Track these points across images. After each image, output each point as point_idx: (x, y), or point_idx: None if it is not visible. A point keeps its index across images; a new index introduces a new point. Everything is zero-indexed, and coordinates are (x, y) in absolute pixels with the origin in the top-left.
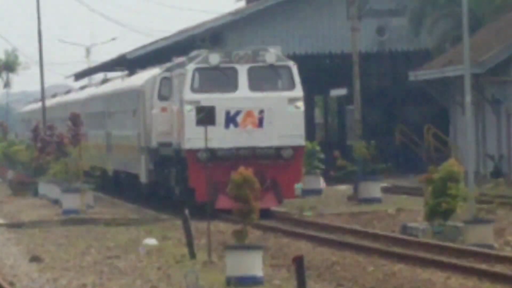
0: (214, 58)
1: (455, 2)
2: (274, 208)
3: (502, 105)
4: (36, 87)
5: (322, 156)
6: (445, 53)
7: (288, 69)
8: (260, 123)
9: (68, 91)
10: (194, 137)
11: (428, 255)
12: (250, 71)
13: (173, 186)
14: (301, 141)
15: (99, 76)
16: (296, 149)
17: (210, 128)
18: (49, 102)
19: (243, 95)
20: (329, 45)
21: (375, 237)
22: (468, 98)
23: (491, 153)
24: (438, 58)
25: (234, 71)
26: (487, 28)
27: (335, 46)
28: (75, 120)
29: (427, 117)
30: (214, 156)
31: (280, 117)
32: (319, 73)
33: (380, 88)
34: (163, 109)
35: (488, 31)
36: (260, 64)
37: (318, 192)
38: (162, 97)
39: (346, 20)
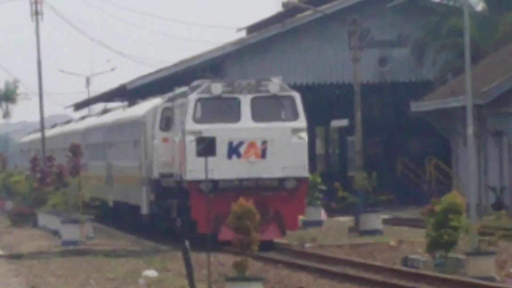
0: (217, 88)
1: (457, 33)
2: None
3: (504, 137)
4: (36, 118)
5: (323, 187)
6: (447, 84)
7: (292, 99)
8: (263, 154)
9: (68, 121)
10: (196, 168)
11: None
12: (253, 101)
13: (174, 217)
14: (304, 172)
15: (99, 106)
16: (300, 180)
17: (212, 159)
18: (49, 133)
19: (246, 126)
20: (331, 76)
21: (376, 269)
22: (470, 130)
23: (493, 185)
24: (440, 89)
25: (237, 101)
26: (489, 59)
27: (337, 77)
28: (75, 150)
29: (429, 149)
30: (216, 187)
31: (283, 148)
32: (320, 103)
33: (382, 119)
34: (165, 140)
35: (490, 62)
36: (263, 94)
37: (319, 223)
38: (163, 128)
39: (348, 51)
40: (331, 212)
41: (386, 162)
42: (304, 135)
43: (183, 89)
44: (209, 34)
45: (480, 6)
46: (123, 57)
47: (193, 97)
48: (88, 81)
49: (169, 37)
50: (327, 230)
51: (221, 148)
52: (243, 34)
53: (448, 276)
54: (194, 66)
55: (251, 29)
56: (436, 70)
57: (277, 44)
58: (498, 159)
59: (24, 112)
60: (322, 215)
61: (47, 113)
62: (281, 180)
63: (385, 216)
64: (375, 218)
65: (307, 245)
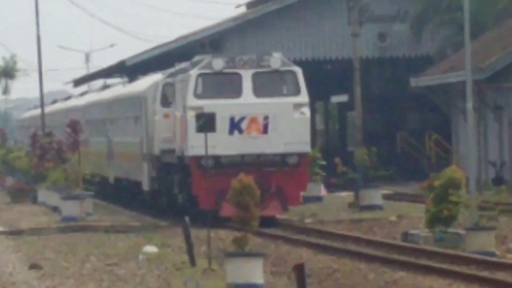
0: (218, 64)
1: (456, 8)
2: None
3: (504, 112)
4: (35, 94)
5: (323, 163)
6: (446, 59)
7: (293, 74)
8: (265, 130)
9: (68, 97)
10: (198, 144)
11: (430, 263)
12: (255, 77)
13: (176, 193)
14: (307, 147)
15: (98, 82)
16: (302, 155)
17: (214, 134)
18: (49, 109)
19: (247, 101)
20: (330, 51)
21: (376, 244)
22: (469, 105)
23: (492, 160)
24: (439, 64)
25: (238, 77)
26: (489, 34)
27: (336, 52)
28: (74, 126)
29: (429, 124)
30: (218, 163)
31: (285, 123)
32: (320, 79)
33: (381, 94)
34: (166, 116)
35: (490, 37)
36: (265, 69)
37: (318, 199)
38: (164, 103)
39: (347, 26)
40: (331, 188)
41: (386, 137)
42: (306, 110)
43: (184, 64)
44: (209, 10)
45: None
46: (123, 33)
47: (194, 72)
48: (87, 57)
49: (168, 13)
50: (327, 205)
51: (223, 124)
52: (243, 10)
53: (448, 251)
54: (193, 42)
55: (251, 5)
56: (436, 45)
57: (276, 20)
58: (498, 134)
59: (23, 88)
60: (322, 190)
61: (46, 89)
62: (283, 156)
63: (385, 192)
64: (375, 193)
65: (307, 220)
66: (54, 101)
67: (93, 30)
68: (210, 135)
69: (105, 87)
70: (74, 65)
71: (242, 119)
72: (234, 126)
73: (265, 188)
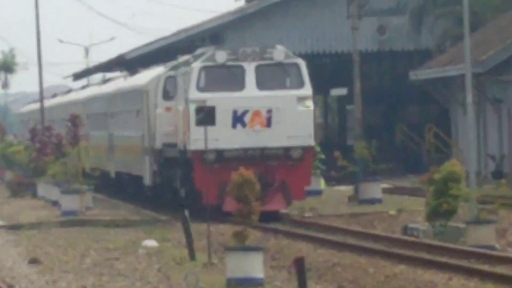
0: (221, 56)
1: (455, 1)
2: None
3: (504, 105)
4: (35, 88)
5: (322, 156)
6: (445, 52)
7: (297, 66)
8: (268, 123)
9: (68, 91)
10: (200, 138)
11: (430, 256)
12: (258, 69)
13: (178, 188)
14: (310, 141)
15: (98, 76)
16: (306, 149)
17: (217, 128)
18: (49, 103)
19: (250, 94)
20: (329, 45)
21: (376, 238)
22: (469, 98)
23: (492, 153)
24: (438, 57)
25: (241, 69)
26: (488, 26)
27: (335, 46)
28: (74, 120)
29: (428, 117)
30: (221, 157)
31: (288, 116)
32: (319, 72)
33: (381, 88)
34: (168, 109)
35: (489, 29)
36: (268, 61)
37: (318, 193)
38: (166, 97)
39: (346, 19)
40: (330, 181)
41: (385, 131)
42: (310, 103)
43: (186, 57)
44: (209, 3)
45: None
46: (122, 26)
47: (196, 65)
48: (87, 51)
49: (167, 6)
50: (326, 199)
51: (226, 117)
52: (242, 3)
53: (448, 245)
54: (193, 35)
55: None
56: (435, 38)
57: (276, 14)
58: (497, 127)
59: (23, 82)
60: (322, 184)
61: (45, 83)
62: (287, 149)
63: (385, 185)
64: (374, 187)
65: (307, 214)
66: (54, 95)
67: (92, 23)
68: (213, 128)
69: (106, 80)
70: (74, 59)
71: (245, 112)
72: (237, 119)
73: (269, 182)
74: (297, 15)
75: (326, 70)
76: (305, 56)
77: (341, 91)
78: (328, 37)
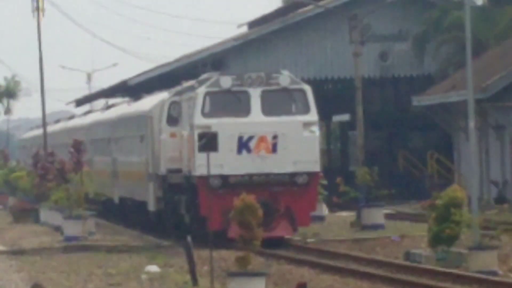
0: (226, 81)
1: (458, 27)
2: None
3: (506, 131)
4: (37, 114)
5: (325, 182)
6: (448, 78)
7: (303, 92)
8: (274, 149)
9: (71, 117)
10: (205, 163)
11: (432, 282)
12: (263, 95)
13: (183, 214)
14: (316, 166)
15: (100, 102)
16: (311, 175)
17: (222, 154)
18: (52, 128)
19: (256, 120)
20: (332, 71)
21: (378, 263)
22: (471, 124)
23: (494, 179)
24: (441, 83)
25: (247, 95)
26: (490, 53)
27: (338, 71)
28: (77, 146)
29: (431, 143)
30: (226, 183)
31: (294, 142)
32: (321, 98)
33: (383, 114)
34: (172, 135)
35: (491, 56)
36: (274, 87)
37: (321, 218)
38: (171, 122)
39: (349, 45)
40: (333, 207)
41: (388, 156)
42: (316, 129)
43: (191, 82)
44: (211, 30)
45: (481, 0)
46: (125, 53)
47: (201, 90)
48: (89, 77)
49: (170, 33)
50: (329, 225)
51: (231, 143)
52: (244, 29)
53: (450, 271)
54: (195, 61)
55: (252, 24)
56: (437, 64)
57: (278, 39)
58: (499, 153)
59: (25, 109)
60: (324, 210)
61: (48, 109)
62: (292, 175)
63: (387, 211)
64: (377, 212)
65: (310, 240)
66: (57, 121)
67: (95, 50)
68: (218, 154)
69: (109, 106)
70: (76, 85)
71: (250, 138)
72: (243, 145)
73: (274, 208)
74: (300, 41)
75: (329, 96)
76: (307, 82)
77: (344, 117)
78: (330, 63)
